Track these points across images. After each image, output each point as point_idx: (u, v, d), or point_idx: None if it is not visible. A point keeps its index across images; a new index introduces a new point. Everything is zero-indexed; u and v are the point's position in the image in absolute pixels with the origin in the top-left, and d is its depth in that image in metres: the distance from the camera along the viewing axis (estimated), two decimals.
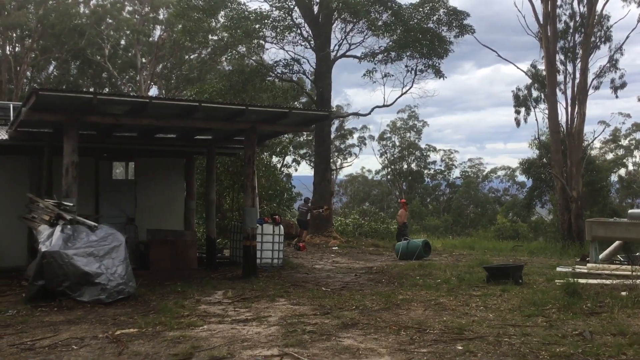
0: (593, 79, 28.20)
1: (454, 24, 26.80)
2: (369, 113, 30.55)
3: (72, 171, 11.35)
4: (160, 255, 14.73)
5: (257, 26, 25.33)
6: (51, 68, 44.97)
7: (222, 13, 26.12)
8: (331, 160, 34.10)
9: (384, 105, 28.83)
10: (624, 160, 51.65)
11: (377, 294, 10.86)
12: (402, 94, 28.64)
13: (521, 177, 51.54)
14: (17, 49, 42.19)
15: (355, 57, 27.78)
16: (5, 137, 14.04)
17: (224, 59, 42.58)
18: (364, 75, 27.88)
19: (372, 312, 9.06)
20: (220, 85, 26.28)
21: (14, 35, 41.27)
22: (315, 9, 26.89)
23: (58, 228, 10.15)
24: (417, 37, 26.02)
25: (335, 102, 49.78)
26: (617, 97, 30.93)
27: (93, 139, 14.28)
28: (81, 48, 40.64)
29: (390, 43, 26.79)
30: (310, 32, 26.93)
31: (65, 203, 11.02)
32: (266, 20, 25.49)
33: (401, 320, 8.41)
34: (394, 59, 27.41)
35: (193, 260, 15.33)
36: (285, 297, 10.60)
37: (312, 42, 26.88)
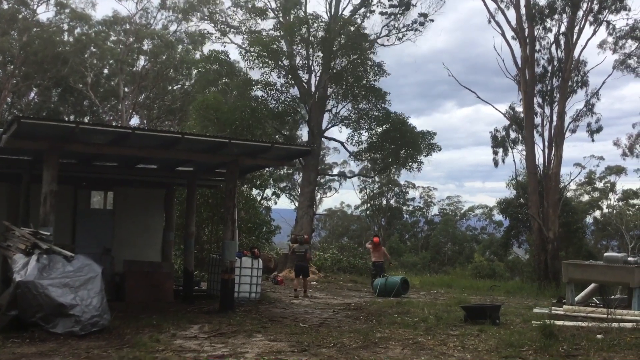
0: (570, 123, 28.69)
1: (421, 145, 30.27)
2: (354, 175, 33.17)
3: (50, 200, 11.23)
4: (136, 287, 14.53)
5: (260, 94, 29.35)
6: (32, 94, 44.70)
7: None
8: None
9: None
10: (599, 203, 52.38)
11: (355, 331, 10.81)
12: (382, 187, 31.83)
13: (498, 216, 51.92)
14: None
15: (341, 142, 31.88)
16: None
17: (207, 91, 42.90)
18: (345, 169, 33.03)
19: (350, 350, 9.01)
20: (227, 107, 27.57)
21: None
22: (313, 83, 29.61)
23: (34, 257, 10.00)
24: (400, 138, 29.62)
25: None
26: (593, 140, 31.35)
27: (72, 167, 14.17)
28: (63, 76, 40.51)
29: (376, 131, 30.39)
30: (306, 108, 29.66)
31: (42, 232, 10.88)
32: (270, 90, 29.44)
33: (379, 359, 8.37)
34: (377, 149, 30.81)
35: (169, 292, 15.14)
36: (263, 333, 10.50)
37: (307, 107, 29.46)
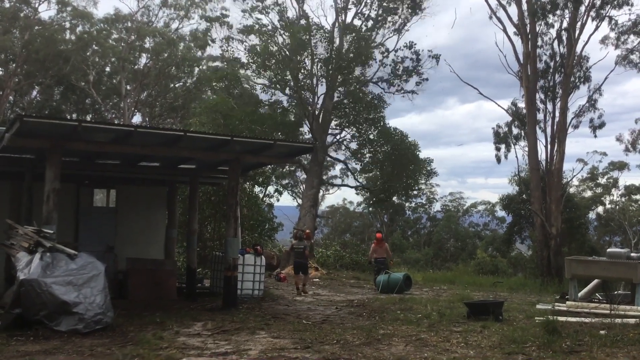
0: (572, 118, 28.59)
1: (423, 172, 33.51)
2: (358, 185, 35.91)
3: (53, 198, 11.25)
4: (139, 285, 14.55)
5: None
6: (34, 93, 44.73)
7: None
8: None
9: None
10: (602, 198, 52.30)
11: (358, 328, 10.81)
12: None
13: (501, 213, 51.86)
14: (0, 73, 41.97)
15: (344, 162, 35.05)
16: None
17: (208, 88, 43.02)
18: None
19: (353, 347, 9.01)
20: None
21: None
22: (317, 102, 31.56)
23: (37, 255, 10.02)
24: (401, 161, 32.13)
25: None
26: (595, 136, 31.40)
27: (74, 165, 14.19)
28: (65, 74, 40.52)
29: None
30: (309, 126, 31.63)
31: (45, 230, 10.90)
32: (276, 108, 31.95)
33: (382, 356, 8.38)
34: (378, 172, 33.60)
35: (172, 290, 15.16)
36: (266, 330, 10.51)
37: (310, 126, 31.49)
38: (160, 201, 17.69)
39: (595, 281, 15.04)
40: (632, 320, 11.34)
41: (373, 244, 20.47)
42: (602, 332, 10.23)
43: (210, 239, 22.74)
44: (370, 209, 60.49)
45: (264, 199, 31.82)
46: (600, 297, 14.89)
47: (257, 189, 29.05)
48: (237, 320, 11.51)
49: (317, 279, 22.47)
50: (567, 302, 13.80)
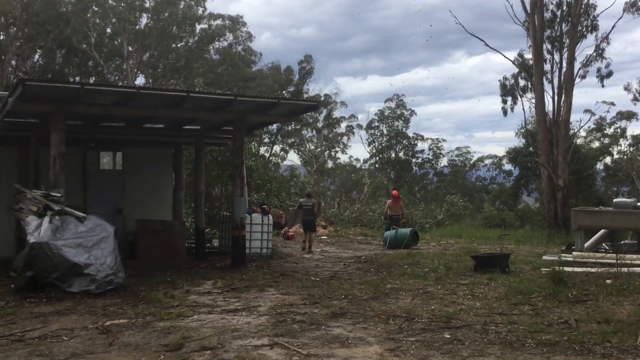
0: (579, 68, 28.30)
1: None
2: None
3: (59, 162, 11.31)
4: (149, 246, 14.67)
5: None
6: (36, 57, 44.36)
7: None
8: (319, 149, 35.31)
9: None
10: (610, 149, 51.92)
11: (366, 283, 10.95)
12: None
13: (508, 166, 51.74)
14: (1, 37, 41.63)
15: None
16: None
17: (211, 47, 42.52)
18: None
19: (361, 301, 9.14)
20: None
21: None
22: None
23: (46, 219, 10.12)
24: None
25: (325, 90, 52.99)
26: (603, 86, 31.01)
27: (80, 129, 14.21)
28: (67, 36, 40.13)
29: None
30: None
31: (53, 194, 10.98)
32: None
33: (390, 309, 8.50)
34: None
35: (182, 250, 15.30)
36: (275, 287, 10.66)
37: None
38: (167, 163, 17.75)
39: (602, 231, 15.09)
40: (638, 269, 11.42)
41: (389, 201, 20.41)
42: (608, 281, 10.31)
43: (218, 199, 22.86)
44: (377, 165, 60.60)
45: (271, 158, 31.94)
46: (606, 247, 14.95)
47: (263, 148, 29.11)
48: (246, 278, 11.67)
49: (325, 237, 22.64)
50: (574, 253, 13.86)
